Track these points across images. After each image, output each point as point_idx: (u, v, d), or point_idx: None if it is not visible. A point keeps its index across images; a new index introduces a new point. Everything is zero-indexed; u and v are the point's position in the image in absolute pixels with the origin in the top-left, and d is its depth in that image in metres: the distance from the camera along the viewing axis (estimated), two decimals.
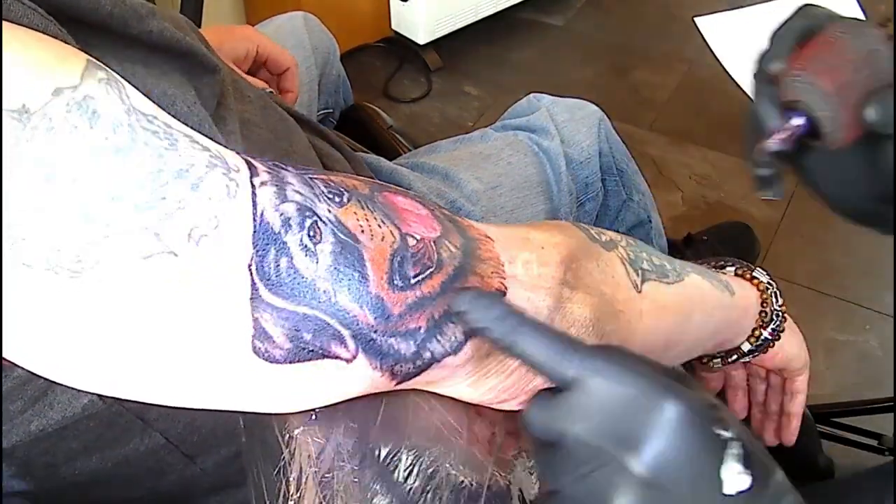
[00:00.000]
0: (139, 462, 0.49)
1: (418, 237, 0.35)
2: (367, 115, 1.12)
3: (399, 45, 1.98)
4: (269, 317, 0.31)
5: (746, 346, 0.57)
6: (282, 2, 1.70)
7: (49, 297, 0.27)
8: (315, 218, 0.32)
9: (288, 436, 0.38)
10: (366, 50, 1.99)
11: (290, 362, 0.32)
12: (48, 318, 0.28)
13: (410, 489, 0.36)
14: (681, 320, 0.48)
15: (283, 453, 0.37)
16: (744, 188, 1.69)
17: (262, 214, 0.31)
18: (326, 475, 0.36)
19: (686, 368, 0.60)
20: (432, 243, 0.35)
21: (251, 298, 0.31)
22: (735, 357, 0.58)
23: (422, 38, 1.91)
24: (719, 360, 0.59)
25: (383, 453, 0.36)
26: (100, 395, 0.43)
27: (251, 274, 0.30)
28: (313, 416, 0.37)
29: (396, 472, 0.36)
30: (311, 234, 0.32)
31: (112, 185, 0.27)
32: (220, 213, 0.30)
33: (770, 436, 0.67)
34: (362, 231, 0.33)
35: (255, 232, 0.31)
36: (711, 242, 1.44)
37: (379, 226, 0.34)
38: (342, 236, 0.33)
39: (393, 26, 1.96)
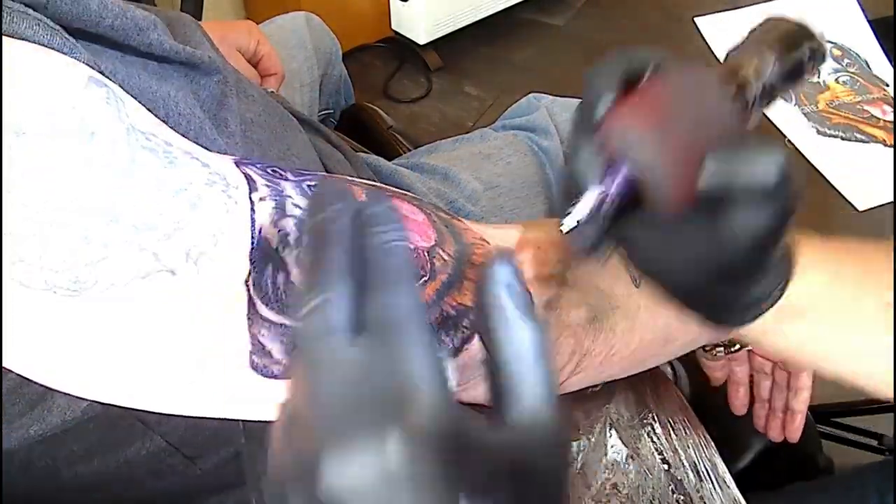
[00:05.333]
0: (140, 465, 0.49)
1: (412, 247, 0.35)
2: (368, 115, 1.12)
3: (399, 45, 1.98)
4: (266, 332, 0.31)
5: None
6: (282, 2, 1.69)
7: (47, 314, 0.27)
8: None
9: None
10: (366, 50, 1.99)
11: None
12: (46, 333, 0.28)
13: None
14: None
15: None
16: None
17: (260, 231, 0.31)
18: None
19: (688, 355, 0.60)
20: (425, 253, 0.35)
21: (248, 315, 0.30)
22: (738, 347, 0.57)
23: (422, 38, 1.90)
24: (722, 349, 0.58)
25: None
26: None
27: (248, 290, 0.30)
28: None
29: None
30: None
31: (110, 206, 0.27)
32: (218, 232, 0.30)
33: (775, 433, 0.67)
34: None
35: (252, 249, 0.30)
36: None
37: None
38: None
39: (393, 26, 1.96)
